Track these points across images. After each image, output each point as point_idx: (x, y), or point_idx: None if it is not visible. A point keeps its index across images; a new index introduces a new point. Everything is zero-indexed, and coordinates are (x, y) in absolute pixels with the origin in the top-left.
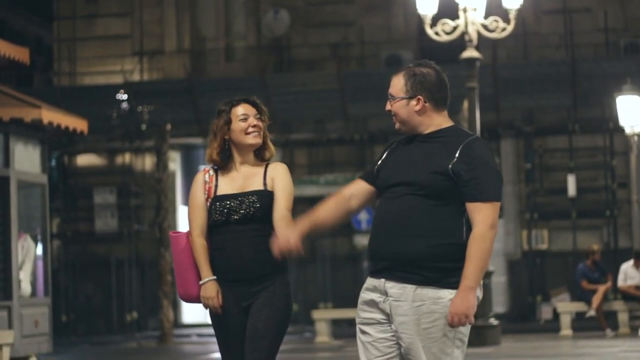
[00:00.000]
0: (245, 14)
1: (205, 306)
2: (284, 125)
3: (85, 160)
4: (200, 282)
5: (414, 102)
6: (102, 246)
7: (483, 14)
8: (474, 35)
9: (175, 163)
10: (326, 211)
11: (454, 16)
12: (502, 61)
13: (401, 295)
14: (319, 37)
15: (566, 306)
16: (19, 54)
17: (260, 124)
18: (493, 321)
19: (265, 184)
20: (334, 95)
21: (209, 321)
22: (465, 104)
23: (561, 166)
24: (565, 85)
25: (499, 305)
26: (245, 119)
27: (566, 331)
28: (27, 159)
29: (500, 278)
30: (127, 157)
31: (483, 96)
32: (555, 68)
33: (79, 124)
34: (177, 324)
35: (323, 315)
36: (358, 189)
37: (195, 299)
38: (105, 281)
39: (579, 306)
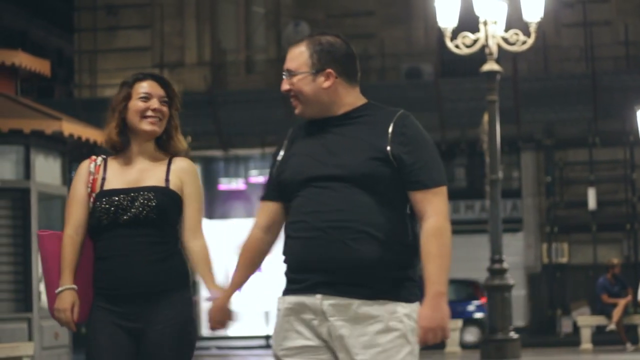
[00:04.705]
0: (266, 26)
1: (60, 322)
2: None
3: None
4: (56, 291)
5: (322, 77)
6: None
7: (503, 27)
8: (494, 49)
9: None
10: (247, 268)
11: (475, 29)
12: (522, 74)
13: (346, 313)
14: None
15: (586, 320)
16: (40, 66)
17: (164, 109)
18: (513, 335)
19: (167, 181)
20: None
21: (229, 333)
22: (486, 117)
23: (581, 179)
24: (585, 98)
25: (519, 318)
26: (145, 99)
27: (586, 345)
28: (47, 171)
29: (520, 291)
30: None
31: (503, 109)
32: (575, 81)
33: (99, 136)
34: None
35: None
36: (270, 215)
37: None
38: None
39: (599, 320)
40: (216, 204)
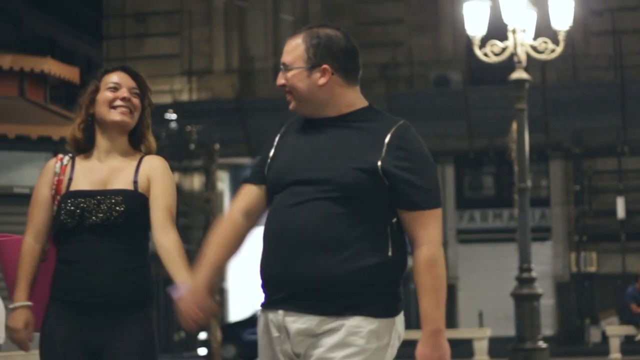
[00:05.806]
0: (294, 34)
1: (13, 341)
2: None
3: None
4: (10, 306)
5: (317, 73)
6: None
7: (532, 35)
8: (523, 57)
9: (223, 183)
10: (223, 248)
11: (503, 37)
12: (551, 82)
13: (307, 332)
14: (367, 58)
15: (615, 329)
16: (69, 73)
17: (135, 100)
18: (541, 344)
19: (135, 183)
20: None
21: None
22: (514, 125)
23: (610, 188)
24: (614, 106)
25: (547, 328)
26: (114, 89)
27: (615, 354)
28: None
29: (548, 300)
30: (175, 177)
31: (532, 117)
32: (604, 89)
33: None
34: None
35: None
36: (251, 199)
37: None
38: None
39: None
40: None
